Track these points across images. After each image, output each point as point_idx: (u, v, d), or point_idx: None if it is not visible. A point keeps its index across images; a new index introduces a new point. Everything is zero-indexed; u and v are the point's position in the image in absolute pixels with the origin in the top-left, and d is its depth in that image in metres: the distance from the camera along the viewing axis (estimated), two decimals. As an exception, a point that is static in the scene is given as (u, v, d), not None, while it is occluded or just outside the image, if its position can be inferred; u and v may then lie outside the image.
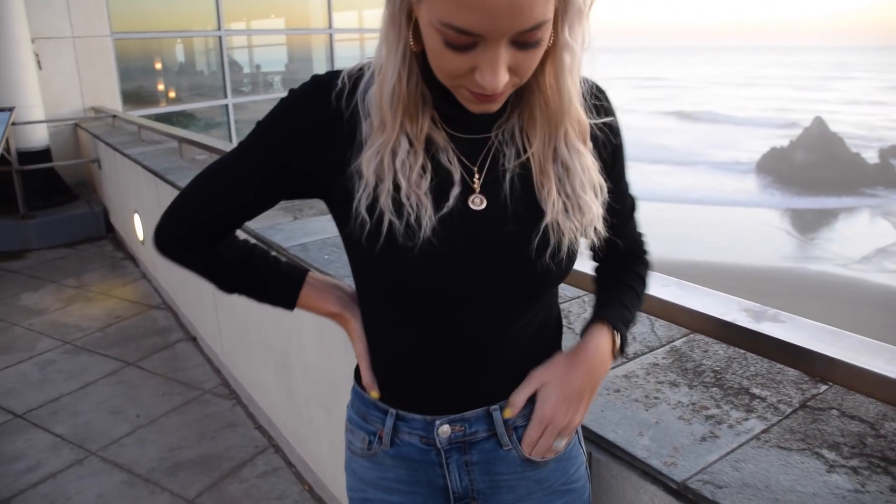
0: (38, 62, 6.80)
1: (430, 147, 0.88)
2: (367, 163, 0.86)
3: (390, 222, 0.85)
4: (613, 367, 1.45)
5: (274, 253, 1.10)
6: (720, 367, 1.45)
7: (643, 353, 1.52)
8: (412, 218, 0.85)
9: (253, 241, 1.14)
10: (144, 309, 4.57)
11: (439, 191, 0.87)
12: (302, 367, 2.43)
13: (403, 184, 0.85)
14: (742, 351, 1.50)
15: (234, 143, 1.71)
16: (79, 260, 5.76)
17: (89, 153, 7.02)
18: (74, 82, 7.77)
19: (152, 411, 3.26)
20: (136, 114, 7.69)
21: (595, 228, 0.92)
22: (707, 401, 1.32)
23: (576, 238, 0.91)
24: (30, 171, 6.29)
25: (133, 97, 8.78)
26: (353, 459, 1.08)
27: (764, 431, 1.22)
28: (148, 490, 2.69)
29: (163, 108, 9.33)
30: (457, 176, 0.88)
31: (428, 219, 0.85)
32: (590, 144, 0.92)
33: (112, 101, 8.13)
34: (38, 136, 6.66)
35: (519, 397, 0.98)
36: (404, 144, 0.86)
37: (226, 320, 3.32)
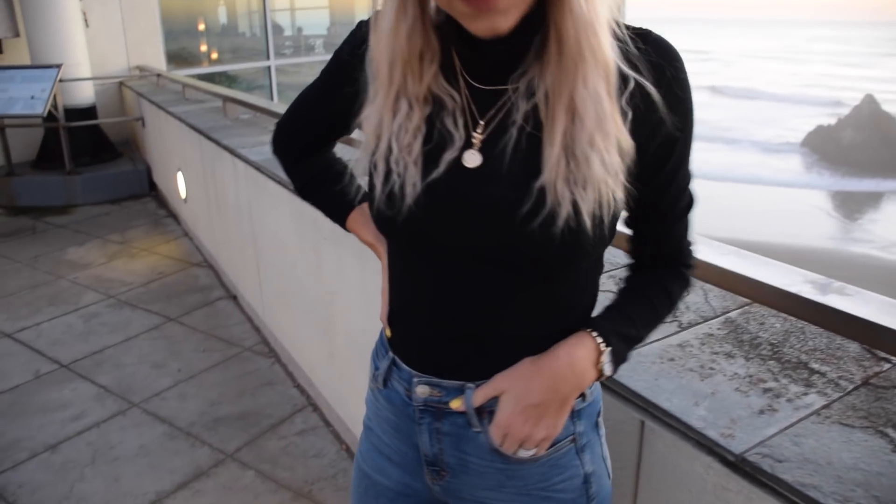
0: (86, 20, 6.84)
1: (434, 103, 0.85)
2: (366, 122, 0.87)
3: (381, 187, 0.86)
4: (667, 336, 1.41)
5: (357, 181, 1.12)
6: (777, 340, 1.40)
7: (697, 323, 1.48)
8: (397, 186, 0.84)
9: (346, 161, 1.16)
10: (186, 266, 4.62)
11: (433, 153, 0.84)
12: (345, 328, 2.44)
13: (395, 148, 0.84)
14: (800, 325, 1.45)
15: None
16: (122, 216, 5.84)
17: (133, 111, 7.09)
18: (120, 41, 7.82)
19: (193, 366, 3.31)
20: (179, 73, 7.73)
21: (605, 202, 0.79)
22: (764, 374, 1.28)
23: (580, 212, 0.78)
24: (76, 127, 6.37)
25: (176, 57, 8.82)
26: (369, 386, 1.09)
27: (824, 407, 1.18)
28: (188, 443, 2.74)
29: (205, 69, 9.36)
30: (456, 135, 0.83)
31: (412, 187, 0.83)
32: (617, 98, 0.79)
33: (156, 60, 8.17)
34: (84, 94, 6.73)
35: (478, 396, 0.91)
36: (403, 106, 0.84)
37: (267, 279, 3.33)
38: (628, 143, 0.79)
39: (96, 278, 4.46)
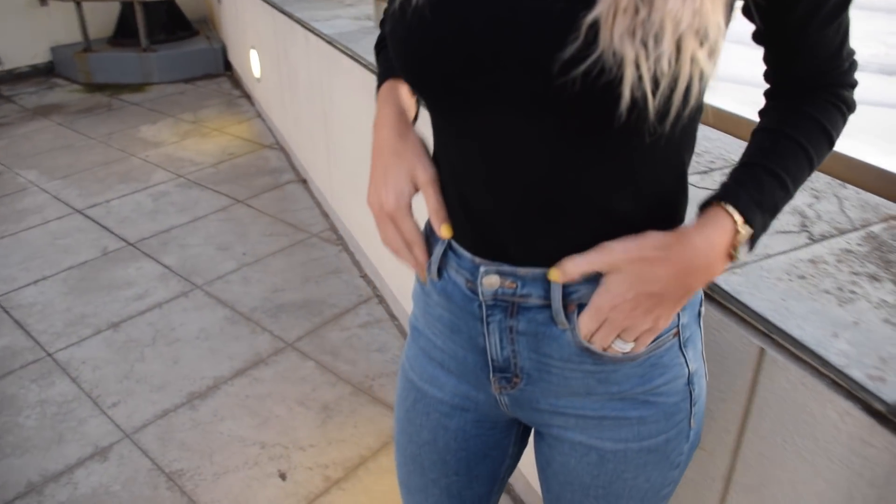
0: None
1: None
2: None
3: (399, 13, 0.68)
4: (795, 249, 1.14)
5: None
6: (940, 259, 1.11)
7: (832, 236, 1.19)
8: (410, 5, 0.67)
9: None
10: (257, 148, 4.48)
11: None
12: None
13: None
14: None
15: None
16: (196, 96, 5.71)
17: (209, -14, 6.86)
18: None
19: (258, 250, 3.19)
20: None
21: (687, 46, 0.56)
22: (927, 301, 1.01)
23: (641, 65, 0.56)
24: (152, 3, 6.20)
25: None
26: (415, 279, 0.90)
27: None
28: (249, 328, 2.64)
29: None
30: None
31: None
32: None
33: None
34: (160, -33, 6.52)
35: (575, 266, 0.71)
36: None
37: (336, 163, 3.14)
38: None
39: (167, 157, 4.37)
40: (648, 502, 0.88)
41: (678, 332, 0.79)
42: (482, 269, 0.75)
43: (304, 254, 3.15)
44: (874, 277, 1.07)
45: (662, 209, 0.74)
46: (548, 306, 0.74)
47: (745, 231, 0.70)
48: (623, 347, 0.74)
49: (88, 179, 4.06)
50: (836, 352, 0.91)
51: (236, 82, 6.01)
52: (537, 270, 0.73)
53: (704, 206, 0.72)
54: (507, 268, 0.74)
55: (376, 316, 2.68)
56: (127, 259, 3.17)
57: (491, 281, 0.75)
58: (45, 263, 3.16)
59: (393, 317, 2.67)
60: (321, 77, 3.11)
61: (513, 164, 0.69)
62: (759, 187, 0.70)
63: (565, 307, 0.74)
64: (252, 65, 4.96)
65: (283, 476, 2.00)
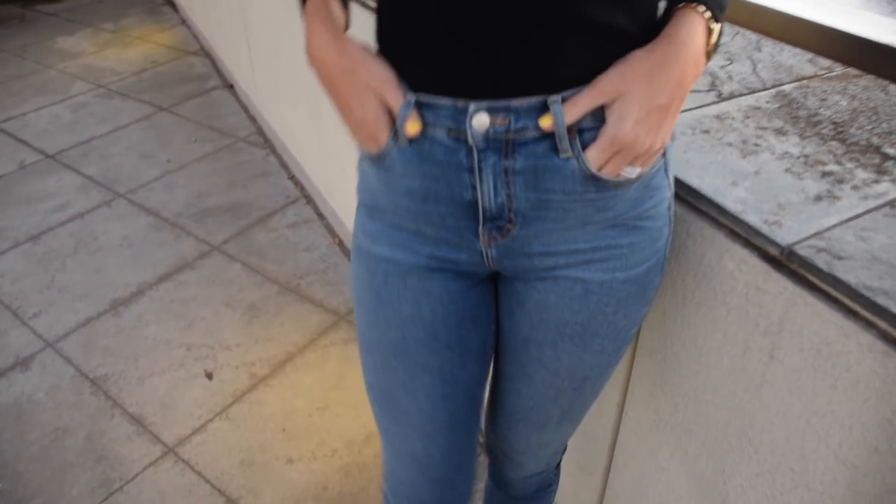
0: None
1: None
2: None
3: None
4: (702, 106, 1.13)
5: None
6: (842, 119, 1.11)
7: (741, 94, 1.18)
8: None
9: None
10: (182, 55, 4.28)
11: None
12: (333, 114, 2.16)
13: None
14: (871, 105, 1.16)
15: None
16: (116, 4, 5.40)
17: None
18: None
19: (183, 157, 3.09)
20: None
21: None
22: (824, 155, 1.01)
23: None
24: None
25: None
26: (360, 162, 0.83)
27: (902, 197, 0.91)
28: (174, 234, 2.58)
29: None
30: None
31: None
32: None
33: None
34: None
35: (577, 105, 0.68)
36: None
37: (260, 64, 3.02)
38: None
39: (86, 68, 4.15)
40: (619, 343, 0.88)
41: (665, 152, 0.79)
42: (471, 108, 0.69)
43: (230, 158, 3.06)
44: (780, 132, 1.07)
45: (653, 28, 0.73)
46: (546, 137, 0.70)
47: (715, 28, 0.71)
48: (632, 173, 0.73)
49: (2, 94, 3.85)
50: (733, 199, 0.90)
51: (158, -13, 5.71)
52: (533, 100, 0.69)
53: (672, 11, 0.72)
54: (498, 102, 0.69)
55: (304, 216, 2.64)
56: (45, 171, 3.05)
57: (481, 120, 0.69)
58: (-44, 178, 3.02)
59: (321, 216, 2.63)
60: (238, -29, 2.96)
61: None
62: None
63: (568, 135, 0.70)
64: (172, -34, 4.70)
65: (209, 375, 1.99)
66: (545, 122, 0.69)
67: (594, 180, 0.72)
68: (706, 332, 0.97)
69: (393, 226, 0.83)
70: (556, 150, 0.70)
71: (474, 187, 0.74)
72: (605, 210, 0.76)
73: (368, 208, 0.85)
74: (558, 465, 1.21)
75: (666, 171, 0.80)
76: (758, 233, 0.85)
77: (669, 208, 0.83)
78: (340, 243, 2.47)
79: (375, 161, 0.78)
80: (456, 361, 0.88)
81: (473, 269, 0.84)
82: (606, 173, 0.72)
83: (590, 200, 0.74)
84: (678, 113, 0.73)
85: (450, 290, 0.84)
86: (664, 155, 0.79)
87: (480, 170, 0.72)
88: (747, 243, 0.87)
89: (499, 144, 0.71)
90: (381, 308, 0.86)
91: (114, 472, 1.75)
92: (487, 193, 0.74)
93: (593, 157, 0.71)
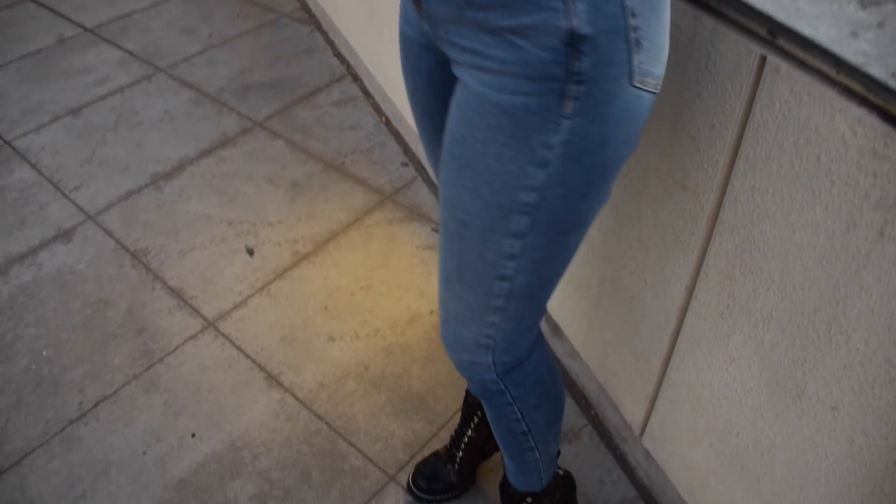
0: None
1: None
2: None
3: None
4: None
5: None
6: None
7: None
8: None
9: None
10: (224, -71, 4.08)
11: None
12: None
13: None
14: None
15: None
16: None
17: None
18: None
19: (225, 32, 2.94)
20: None
21: None
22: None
23: None
24: None
25: None
26: None
27: None
28: (216, 110, 2.47)
29: None
30: None
31: None
32: None
33: None
34: None
35: None
36: None
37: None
38: None
39: (127, -61, 3.98)
40: (500, 197, 0.75)
41: None
42: None
43: (274, 34, 2.91)
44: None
45: None
46: None
47: None
48: None
49: (40, -35, 3.72)
50: (853, 51, 0.75)
51: None
52: None
53: None
54: None
55: (350, 94, 2.50)
56: (85, 45, 2.94)
57: None
58: (-4, 52, 2.94)
59: (368, 94, 2.49)
60: None
61: None
62: None
63: None
64: None
65: (250, 251, 1.92)
66: None
67: None
68: (802, 207, 0.83)
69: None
70: None
71: None
72: (472, 7, 0.69)
73: None
74: (509, 375, 0.98)
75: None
76: (884, 87, 0.70)
77: (575, 47, 0.65)
78: (387, 122, 2.34)
79: None
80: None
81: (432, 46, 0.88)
82: None
83: None
84: None
85: (431, 69, 0.94)
86: None
87: None
88: (865, 101, 0.72)
89: None
90: (405, 78, 1.03)
91: (154, 343, 1.71)
92: None
93: None
